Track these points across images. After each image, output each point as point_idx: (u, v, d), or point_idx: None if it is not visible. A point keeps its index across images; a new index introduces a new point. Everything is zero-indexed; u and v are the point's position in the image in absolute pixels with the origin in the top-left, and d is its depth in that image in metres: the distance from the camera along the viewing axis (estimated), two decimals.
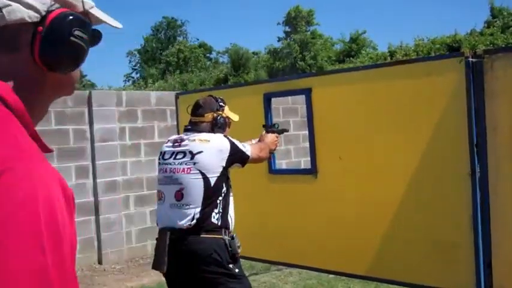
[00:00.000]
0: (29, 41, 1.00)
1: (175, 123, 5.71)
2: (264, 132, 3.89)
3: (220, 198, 3.31)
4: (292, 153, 10.21)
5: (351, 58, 31.32)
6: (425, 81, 3.70)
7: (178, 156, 3.35)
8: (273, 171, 4.62)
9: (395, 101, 3.83)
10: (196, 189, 3.25)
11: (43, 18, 1.01)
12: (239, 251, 3.32)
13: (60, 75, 1.06)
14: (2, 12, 0.98)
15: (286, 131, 4.14)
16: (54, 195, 0.84)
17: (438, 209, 3.65)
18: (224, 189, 3.34)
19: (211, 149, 3.31)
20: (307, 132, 4.38)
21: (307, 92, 4.29)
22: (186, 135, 3.45)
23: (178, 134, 5.29)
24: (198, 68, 38.89)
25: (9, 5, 0.98)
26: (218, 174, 3.30)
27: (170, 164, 3.38)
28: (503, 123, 3.40)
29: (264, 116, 4.56)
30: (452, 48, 24.21)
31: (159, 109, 8.75)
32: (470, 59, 3.49)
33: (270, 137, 3.82)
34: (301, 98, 4.36)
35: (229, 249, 3.22)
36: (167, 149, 3.48)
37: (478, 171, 3.46)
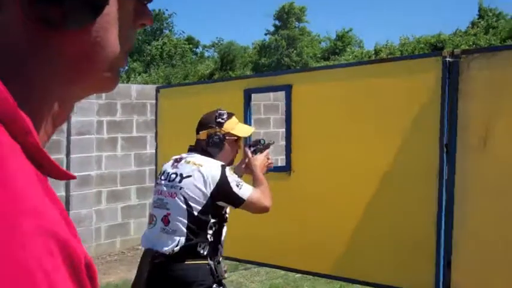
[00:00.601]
0: None
1: (154, 117, 5.70)
2: (250, 153, 3.36)
3: (210, 232, 2.99)
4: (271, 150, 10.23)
5: (336, 55, 31.45)
6: (404, 80, 3.74)
7: (171, 178, 3.06)
8: None
9: (375, 100, 3.87)
10: (180, 216, 2.95)
11: None
12: (226, 275, 3.12)
13: (77, 36, 0.58)
14: None
15: (272, 143, 3.63)
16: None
17: (405, 208, 3.70)
18: (213, 221, 2.99)
19: (199, 175, 2.97)
20: None
21: (288, 89, 4.30)
22: (187, 154, 3.15)
23: (156, 128, 5.32)
24: (183, 62, 38.79)
25: None
26: (201, 207, 2.94)
27: (163, 185, 3.09)
28: (474, 124, 3.45)
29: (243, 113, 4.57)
30: (436, 48, 24.43)
31: (139, 103, 8.72)
32: (448, 59, 3.54)
33: (260, 160, 3.33)
34: (283, 95, 4.38)
35: (215, 274, 2.98)
36: (166, 168, 3.18)
37: (445, 172, 3.52)
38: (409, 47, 26.41)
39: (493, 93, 3.40)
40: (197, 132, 3.19)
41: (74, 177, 0.62)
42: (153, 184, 4.05)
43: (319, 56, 33.80)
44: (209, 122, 3.17)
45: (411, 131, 3.70)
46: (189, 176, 2.99)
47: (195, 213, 2.94)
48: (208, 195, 2.95)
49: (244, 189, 3.00)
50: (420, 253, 3.62)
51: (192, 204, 2.94)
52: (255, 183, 3.19)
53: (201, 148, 3.13)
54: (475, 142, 3.46)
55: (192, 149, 3.19)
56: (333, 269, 4.04)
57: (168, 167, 3.17)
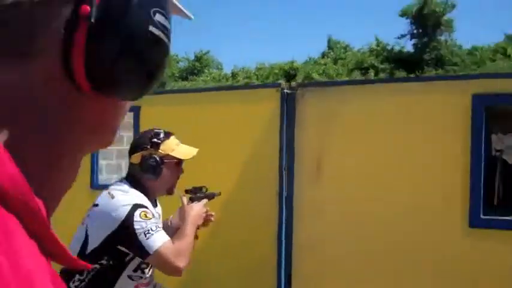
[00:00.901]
0: (59, 36, 0.51)
1: None
2: (185, 200, 2.78)
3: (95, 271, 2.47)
4: (123, 168, 10.14)
5: (195, 76, 31.83)
6: (246, 108, 4.00)
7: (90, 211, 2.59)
8: (95, 186, 4.43)
9: (220, 125, 4.08)
10: (74, 244, 2.47)
11: None
12: None
13: (109, 103, 0.57)
14: None
15: (218, 194, 3.06)
16: None
17: (249, 227, 3.94)
18: (106, 263, 2.46)
19: (105, 208, 2.45)
20: None
21: (136, 110, 4.37)
22: (120, 181, 2.65)
23: None
24: None
25: None
26: (96, 245, 2.43)
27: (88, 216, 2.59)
28: (309, 150, 3.79)
29: None
30: (289, 75, 25.68)
31: None
32: (285, 90, 3.85)
33: (195, 210, 2.71)
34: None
35: None
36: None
37: (285, 193, 3.82)
38: (264, 72, 27.51)
39: (324, 123, 3.76)
40: (129, 156, 2.69)
41: (85, 266, 0.58)
42: None
43: (178, 75, 33.98)
44: (143, 143, 2.64)
45: (253, 155, 3.95)
46: (96, 205, 2.50)
47: (88, 250, 2.42)
48: (106, 235, 2.41)
49: (153, 240, 2.37)
50: (263, 268, 3.87)
51: (89, 241, 2.44)
52: (177, 235, 2.55)
53: (133, 176, 2.61)
54: (311, 166, 3.79)
55: (126, 178, 2.65)
56: (179, 285, 4.15)
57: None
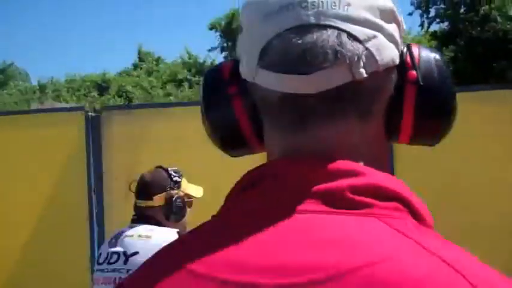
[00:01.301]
0: (387, 97, 0.64)
1: None
2: None
3: None
4: None
5: None
6: (50, 132, 3.94)
7: (112, 259, 2.34)
8: None
9: (23, 150, 3.97)
10: None
11: (404, 57, 0.65)
12: None
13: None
14: (367, 49, 0.60)
15: None
16: None
17: (60, 253, 3.88)
18: None
19: (151, 250, 2.24)
20: None
21: None
22: (130, 227, 2.42)
23: None
24: None
25: (375, 37, 0.62)
26: None
27: (103, 271, 2.36)
28: (119, 172, 3.85)
29: None
30: (102, 87, 25.12)
31: None
32: (90, 114, 3.87)
33: None
34: None
35: None
36: (102, 249, 2.47)
37: (95, 212, 3.84)
38: (75, 84, 26.60)
39: (132, 145, 3.84)
40: (144, 198, 2.46)
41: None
42: None
43: None
44: (164, 183, 2.45)
45: (61, 180, 3.90)
46: (135, 254, 2.27)
47: None
48: None
49: None
50: None
51: None
52: None
53: (151, 218, 2.42)
54: (120, 188, 3.84)
55: (135, 219, 2.45)
56: None
57: (104, 247, 2.46)
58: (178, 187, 2.46)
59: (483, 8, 18.26)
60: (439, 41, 20.29)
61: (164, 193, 2.42)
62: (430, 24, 20.72)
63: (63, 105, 15.61)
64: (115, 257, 2.31)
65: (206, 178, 3.68)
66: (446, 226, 3.33)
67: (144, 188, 2.45)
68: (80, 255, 3.86)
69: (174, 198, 2.41)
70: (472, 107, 3.39)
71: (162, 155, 3.80)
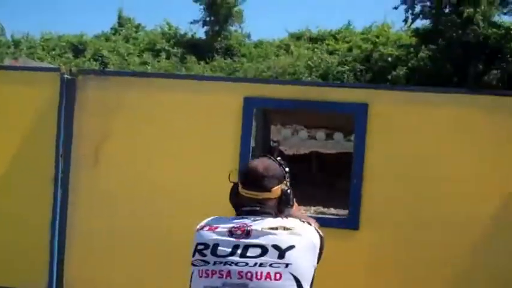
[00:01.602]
0: None
1: None
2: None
3: None
4: None
5: None
6: (23, 90, 3.85)
7: (250, 253, 2.20)
8: None
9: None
10: None
11: None
12: None
13: None
14: None
15: None
16: None
17: (21, 212, 3.83)
18: None
19: (305, 244, 2.24)
20: None
21: None
22: (254, 219, 2.28)
23: None
24: None
25: None
26: (311, 282, 2.24)
27: (234, 263, 2.20)
28: (89, 138, 3.79)
29: None
30: (78, 49, 24.70)
31: None
32: (66, 76, 3.78)
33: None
34: None
35: None
36: (217, 237, 2.27)
37: (60, 179, 3.79)
38: (50, 43, 26.04)
39: (106, 112, 3.78)
40: (263, 189, 2.35)
41: None
42: None
43: None
44: (279, 174, 2.40)
45: (29, 139, 3.83)
46: (291, 247, 2.20)
47: None
48: (316, 266, 2.28)
49: None
50: (34, 254, 3.78)
51: (304, 285, 2.19)
52: None
53: (268, 211, 2.33)
54: (89, 154, 3.79)
55: (255, 211, 2.33)
56: None
57: (221, 235, 2.27)
58: (287, 178, 2.43)
59: (467, 10, 18.40)
60: (420, 39, 20.42)
61: (281, 185, 2.37)
62: (413, 20, 20.79)
63: (38, 63, 15.28)
64: (256, 250, 2.19)
65: (177, 150, 3.68)
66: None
67: (264, 178, 2.34)
68: (40, 216, 3.81)
69: (287, 190, 2.38)
70: (445, 110, 3.43)
71: (134, 124, 3.76)
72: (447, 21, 19.03)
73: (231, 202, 2.44)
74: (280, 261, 2.16)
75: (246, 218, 2.28)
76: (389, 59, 21.20)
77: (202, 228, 2.32)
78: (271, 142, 14.55)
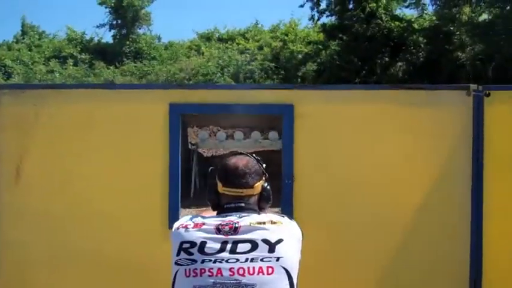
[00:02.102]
0: None
1: None
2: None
3: None
4: None
5: None
6: None
7: (240, 249, 2.19)
8: None
9: None
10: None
11: None
12: None
13: None
14: None
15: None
16: None
17: None
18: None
19: (291, 237, 2.28)
20: None
21: None
22: (240, 216, 2.29)
23: None
24: None
25: None
26: (297, 275, 2.27)
27: (225, 260, 2.17)
28: (8, 156, 3.62)
29: None
30: None
31: None
32: None
33: None
34: None
35: None
36: (204, 234, 2.24)
37: None
38: None
39: (24, 127, 3.61)
40: (246, 185, 2.36)
41: None
42: None
43: None
44: (259, 170, 2.43)
45: None
46: (280, 241, 2.21)
47: (295, 282, 2.24)
48: (300, 258, 2.31)
49: None
50: None
51: (293, 276, 2.22)
52: None
53: (250, 208, 2.36)
54: (10, 173, 3.61)
55: (240, 207, 2.34)
56: None
57: (208, 232, 2.24)
58: (266, 175, 2.47)
59: (370, 5, 19.10)
60: (327, 34, 20.96)
61: (261, 181, 2.41)
62: (319, 17, 21.33)
63: None
64: (246, 245, 2.19)
65: (102, 162, 3.58)
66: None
67: (246, 175, 2.36)
68: None
69: (267, 186, 2.43)
70: (367, 106, 3.54)
71: (54, 138, 3.62)
72: (352, 16, 19.66)
73: (210, 201, 2.43)
74: (271, 255, 2.17)
75: (231, 215, 2.29)
76: (299, 55, 21.63)
77: (184, 226, 2.29)
78: (189, 145, 14.45)
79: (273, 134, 7.96)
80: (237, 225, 2.23)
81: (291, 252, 2.23)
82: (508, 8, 15.37)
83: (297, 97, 3.56)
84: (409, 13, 21.14)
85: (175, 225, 2.34)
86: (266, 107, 3.58)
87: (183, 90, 3.69)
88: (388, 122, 3.53)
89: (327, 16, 21.49)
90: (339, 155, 3.54)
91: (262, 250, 2.17)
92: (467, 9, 16.80)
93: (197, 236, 2.22)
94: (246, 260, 2.16)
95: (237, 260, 2.15)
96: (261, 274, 2.14)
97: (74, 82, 20.81)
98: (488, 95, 3.42)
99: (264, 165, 2.48)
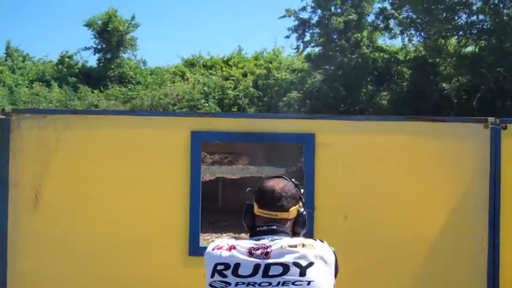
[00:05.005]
0: None
1: None
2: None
3: None
4: None
5: None
6: None
7: (272, 272, 2.20)
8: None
9: None
10: None
11: None
12: None
13: None
14: None
15: None
16: None
17: None
18: None
19: (322, 261, 2.27)
20: None
21: None
22: (272, 239, 2.29)
23: None
24: None
25: None
26: None
27: (258, 284, 2.20)
28: (26, 180, 3.60)
29: None
30: None
31: None
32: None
33: None
34: None
35: None
36: (238, 256, 2.25)
37: None
38: None
39: (42, 152, 3.61)
40: (282, 209, 2.34)
41: None
42: None
43: None
44: (296, 194, 2.40)
45: None
46: (311, 264, 2.21)
47: None
48: (334, 282, 2.31)
49: None
50: None
51: None
52: None
53: (283, 231, 2.34)
54: (29, 197, 3.59)
55: (272, 230, 2.32)
56: None
57: (241, 254, 2.24)
58: (302, 200, 2.44)
59: (354, 35, 19.42)
60: (312, 64, 21.21)
61: (297, 206, 2.38)
62: (304, 48, 21.60)
63: None
64: (278, 268, 2.19)
65: (125, 188, 3.58)
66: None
67: (282, 199, 2.35)
68: None
69: (302, 212, 2.39)
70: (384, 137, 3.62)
71: (76, 164, 3.62)
72: (336, 46, 19.95)
73: (245, 222, 2.42)
74: (302, 278, 2.17)
75: (264, 238, 2.28)
76: (284, 83, 21.81)
77: (218, 248, 2.28)
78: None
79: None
80: (268, 250, 2.23)
81: (322, 275, 2.22)
82: (494, 40, 15.74)
83: (318, 126, 3.62)
84: (394, 44, 21.54)
85: (210, 247, 2.33)
86: (287, 136, 3.63)
87: (203, 118, 3.72)
88: (408, 153, 3.61)
89: (312, 47, 21.78)
90: (359, 185, 3.60)
91: (294, 273, 2.18)
92: (453, 41, 17.19)
93: (231, 258, 2.23)
94: (278, 283, 2.17)
95: (270, 283, 2.17)
96: None
97: (59, 106, 20.67)
98: (505, 128, 3.51)
99: (302, 191, 2.45)
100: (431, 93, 16.70)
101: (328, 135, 3.58)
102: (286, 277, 2.17)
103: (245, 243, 2.28)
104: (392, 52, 20.24)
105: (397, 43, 21.24)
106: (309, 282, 2.17)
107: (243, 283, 2.18)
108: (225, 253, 2.24)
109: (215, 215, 13.64)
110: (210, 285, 2.23)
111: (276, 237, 2.28)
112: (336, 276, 2.33)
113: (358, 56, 19.35)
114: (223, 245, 2.28)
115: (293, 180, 2.45)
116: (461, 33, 16.55)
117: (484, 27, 16.32)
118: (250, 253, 2.23)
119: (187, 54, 30.39)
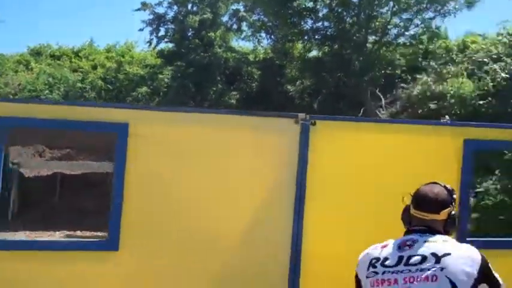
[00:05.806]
0: None
1: None
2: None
3: None
4: None
5: None
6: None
7: (412, 261, 2.58)
8: None
9: None
10: None
11: None
12: None
13: None
14: None
15: None
16: None
17: None
18: None
19: (461, 254, 2.57)
20: None
21: None
22: (421, 235, 2.67)
23: None
24: None
25: None
26: None
27: (400, 271, 2.58)
28: None
29: None
30: None
31: None
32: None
33: None
34: None
35: None
36: (388, 250, 2.67)
37: None
38: None
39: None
40: (429, 211, 2.73)
41: None
42: None
43: None
44: (448, 200, 2.75)
45: None
46: (447, 254, 2.55)
47: None
48: (475, 276, 2.52)
49: (497, 274, 2.68)
50: None
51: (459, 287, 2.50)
52: None
53: (436, 230, 2.69)
54: None
55: (423, 230, 2.69)
56: None
57: (389, 252, 2.65)
58: (454, 204, 2.77)
59: (207, 34, 19.60)
60: (165, 59, 21.05)
61: (448, 209, 2.72)
62: (158, 43, 21.40)
63: None
64: (418, 258, 2.55)
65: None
66: None
67: (436, 203, 2.72)
68: None
69: (452, 215, 2.73)
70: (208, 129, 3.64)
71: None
72: (189, 44, 19.98)
73: (402, 220, 2.83)
74: (436, 265, 2.51)
75: (414, 235, 2.67)
76: (135, 78, 21.45)
77: (373, 248, 2.72)
78: (10, 164, 13.55)
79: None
80: (413, 244, 2.63)
81: (457, 266, 2.51)
82: (336, 46, 16.66)
83: (133, 116, 3.55)
84: (246, 45, 22.02)
85: (365, 251, 2.74)
86: (100, 124, 3.51)
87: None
88: (217, 144, 3.66)
89: (166, 42, 21.64)
90: (168, 178, 3.58)
91: (430, 261, 2.53)
92: (299, 45, 17.93)
93: (382, 253, 2.66)
94: (416, 270, 2.53)
95: (409, 270, 2.54)
96: (425, 281, 2.50)
97: None
98: (314, 124, 3.69)
99: (455, 196, 2.81)
100: (278, 94, 17.31)
101: (142, 126, 3.52)
102: (423, 265, 2.52)
103: (397, 241, 2.70)
104: (244, 53, 20.70)
105: (249, 45, 21.78)
106: (442, 269, 2.49)
107: (389, 272, 2.58)
108: (379, 250, 2.69)
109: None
110: (366, 276, 2.65)
111: (424, 234, 2.66)
112: (485, 280, 2.57)
113: (211, 54, 19.54)
114: (377, 245, 2.72)
115: (447, 186, 2.81)
116: (306, 37, 17.32)
117: (328, 33, 17.24)
118: (399, 247, 2.65)
119: (34, 43, 28.75)
